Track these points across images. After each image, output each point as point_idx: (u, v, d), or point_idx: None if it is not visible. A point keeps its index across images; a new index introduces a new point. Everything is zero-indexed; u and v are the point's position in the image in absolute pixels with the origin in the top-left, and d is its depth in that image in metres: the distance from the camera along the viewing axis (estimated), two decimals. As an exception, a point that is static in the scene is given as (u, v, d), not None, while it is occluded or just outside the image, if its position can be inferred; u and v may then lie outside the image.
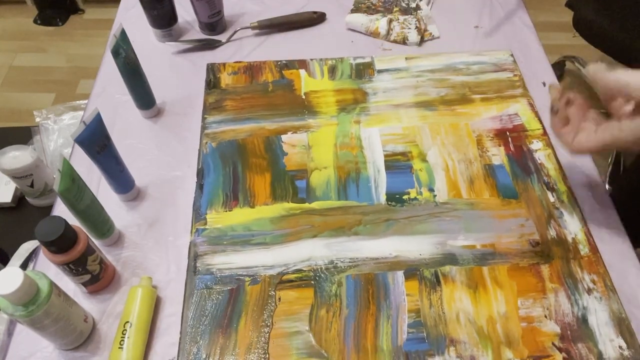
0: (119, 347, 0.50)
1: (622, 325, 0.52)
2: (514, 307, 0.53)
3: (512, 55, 0.79)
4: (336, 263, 0.57)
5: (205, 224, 0.60)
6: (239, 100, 0.73)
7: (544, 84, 0.78)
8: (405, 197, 0.62)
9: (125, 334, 0.51)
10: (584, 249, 0.58)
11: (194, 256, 0.58)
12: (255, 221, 0.61)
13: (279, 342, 0.51)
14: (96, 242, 0.57)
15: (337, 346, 0.51)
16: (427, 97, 0.73)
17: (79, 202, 0.53)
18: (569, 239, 0.59)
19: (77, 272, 0.52)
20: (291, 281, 0.56)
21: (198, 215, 0.61)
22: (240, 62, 0.77)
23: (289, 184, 0.64)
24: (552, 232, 0.59)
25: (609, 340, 0.51)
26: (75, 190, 0.51)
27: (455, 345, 0.51)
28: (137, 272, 0.58)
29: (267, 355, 0.50)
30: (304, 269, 0.56)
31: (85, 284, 0.54)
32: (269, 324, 0.52)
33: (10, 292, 0.42)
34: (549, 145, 0.67)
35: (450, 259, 0.57)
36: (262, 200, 0.62)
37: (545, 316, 0.53)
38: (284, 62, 0.78)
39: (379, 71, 0.77)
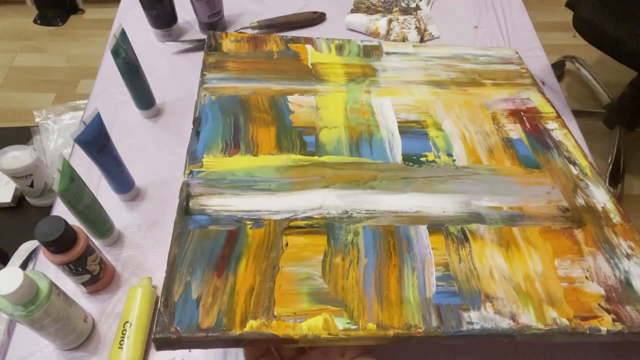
0: (119, 347, 0.50)
1: None
2: (552, 267, 0.49)
3: (517, 52, 0.79)
4: (351, 213, 0.51)
5: (202, 166, 0.54)
6: (242, 63, 0.68)
7: (543, 84, 0.78)
8: (422, 159, 0.58)
9: (125, 334, 0.51)
10: (615, 217, 0.55)
11: (186, 196, 0.51)
12: (259, 168, 0.54)
13: (287, 286, 0.44)
14: (96, 242, 0.57)
15: (357, 294, 0.45)
16: (437, 77, 0.71)
17: (79, 202, 0.53)
18: (599, 207, 0.56)
19: (77, 272, 0.52)
20: (300, 227, 0.49)
21: (193, 158, 0.55)
22: (243, 32, 0.75)
23: (296, 137, 0.58)
24: (580, 201, 0.56)
25: None
26: (75, 190, 0.51)
27: (492, 301, 0.46)
28: (136, 272, 0.58)
29: (273, 301, 0.43)
30: (315, 216, 0.50)
31: (85, 284, 0.54)
32: (274, 267, 0.46)
33: (10, 292, 0.42)
34: (565, 126, 0.66)
35: (476, 217, 0.53)
36: (266, 150, 0.56)
37: (587, 277, 0.49)
38: (290, 37, 0.75)
39: (387, 53, 0.74)
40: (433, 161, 0.59)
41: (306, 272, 0.46)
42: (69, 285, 0.55)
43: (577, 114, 0.76)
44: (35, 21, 2.02)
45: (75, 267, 0.51)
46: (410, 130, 0.62)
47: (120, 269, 0.58)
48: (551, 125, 0.66)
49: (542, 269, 0.49)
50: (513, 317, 0.45)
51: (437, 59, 0.75)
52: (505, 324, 0.44)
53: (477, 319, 0.45)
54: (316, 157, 0.56)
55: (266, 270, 0.45)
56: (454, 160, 0.59)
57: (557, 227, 0.53)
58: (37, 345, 0.53)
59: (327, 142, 0.59)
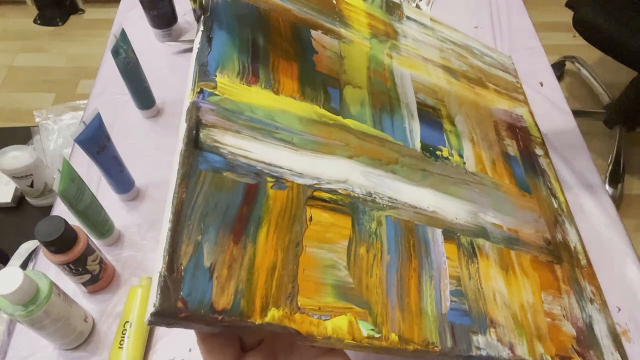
0: (119, 347, 0.50)
1: (617, 341, 0.51)
2: (539, 300, 0.49)
3: (513, 62, 0.79)
4: (374, 197, 0.47)
5: (215, 87, 0.43)
6: None
7: (542, 84, 0.78)
8: (438, 152, 0.57)
9: (125, 334, 0.51)
10: (582, 260, 0.56)
11: (195, 123, 0.41)
12: (281, 112, 0.46)
13: (310, 272, 0.38)
14: (96, 242, 0.57)
15: (380, 297, 0.40)
16: (451, 64, 0.69)
17: (79, 202, 0.53)
18: (572, 246, 0.57)
19: (77, 272, 0.52)
20: (324, 201, 0.43)
21: (204, 73, 0.44)
22: None
23: (320, 86, 0.51)
24: (559, 236, 0.57)
25: (610, 353, 0.49)
26: (75, 191, 0.51)
27: (495, 327, 0.45)
28: (137, 272, 0.58)
29: (296, 287, 0.36)
30: (340, 191, 0.45)
31: (85, 284, 0.54)
32: (297, 244, 0.38)
33: (10, 292, 0.42)
34: (547, 155, 0.67)
35: (482, 232, 0.52)
36: (288, 91, 0.48)
37: (564, 316, 0.49)
38: None
39: (408, 17, 0.70)
40: (447, 158, 0.57)
41: (331, 258, 0.39)
42: (69, 285, 0.55)
43: (577, 114, 0.76)
44: (35, 21, 2.02)
45: (75, 267, 0.51)
46: (428, 115, 0.60)
47: (120, 269, 0.58)
48: (538, 151, 0.66)
49: (532, 300, 0.49)
50: (511, 347, 0.44)
51: (451, 43, 0.72)
52: (505, 353, 0.43)
53: (483, 344, 0.43)
54: (340, 118, 0.50)
55: (289, 247, 0.38)
56: (464, 163, 0.58)
57: (543, 259, 0.53)
58: (37, 345, 0.53)
59: (351, 103, 0.53)
